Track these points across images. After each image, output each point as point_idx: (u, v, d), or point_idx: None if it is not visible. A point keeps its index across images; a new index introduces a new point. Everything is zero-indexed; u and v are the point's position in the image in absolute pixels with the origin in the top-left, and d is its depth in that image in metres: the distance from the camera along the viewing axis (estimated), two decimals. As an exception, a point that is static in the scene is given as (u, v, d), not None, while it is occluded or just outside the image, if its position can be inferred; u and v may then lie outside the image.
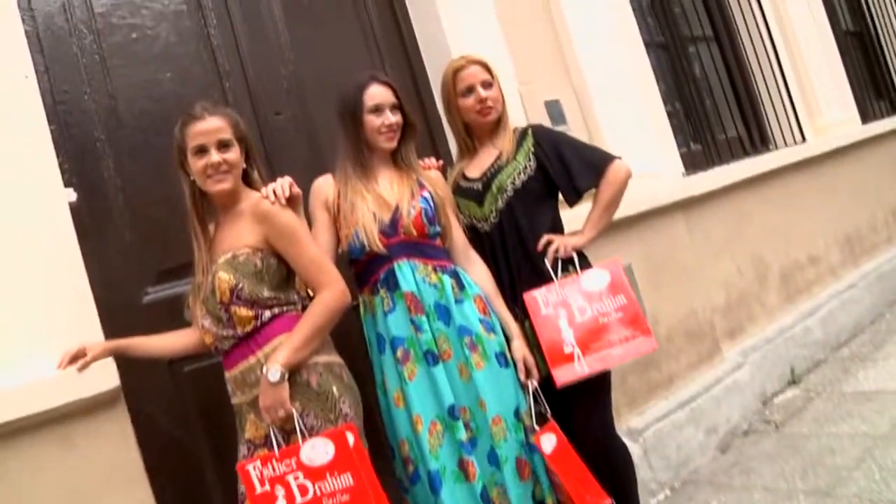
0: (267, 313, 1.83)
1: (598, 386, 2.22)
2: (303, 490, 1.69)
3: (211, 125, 1.83)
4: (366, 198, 2.08)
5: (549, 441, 2.03)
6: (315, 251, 1.87)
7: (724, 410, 3.33)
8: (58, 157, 2.05)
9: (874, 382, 3.60)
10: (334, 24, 2.83)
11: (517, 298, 2.23)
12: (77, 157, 2.19)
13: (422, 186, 2.16)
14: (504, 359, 2.09)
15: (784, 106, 4.69)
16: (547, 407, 2.12)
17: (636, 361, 2.69)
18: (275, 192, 1.85)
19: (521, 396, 2.10)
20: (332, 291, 1.82)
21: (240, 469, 1.75)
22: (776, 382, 3.82)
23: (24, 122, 1.99)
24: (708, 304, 3.57)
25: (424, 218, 2.09)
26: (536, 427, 2.06)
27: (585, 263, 2.30)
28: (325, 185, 2.16)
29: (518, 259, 2.27)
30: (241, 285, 1.80)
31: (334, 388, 1.80)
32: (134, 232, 2.24)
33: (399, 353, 2.04)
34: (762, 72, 4.69)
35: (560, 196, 2.35)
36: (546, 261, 2.23)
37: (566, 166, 2.28)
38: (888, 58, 6.24)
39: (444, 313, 2.06)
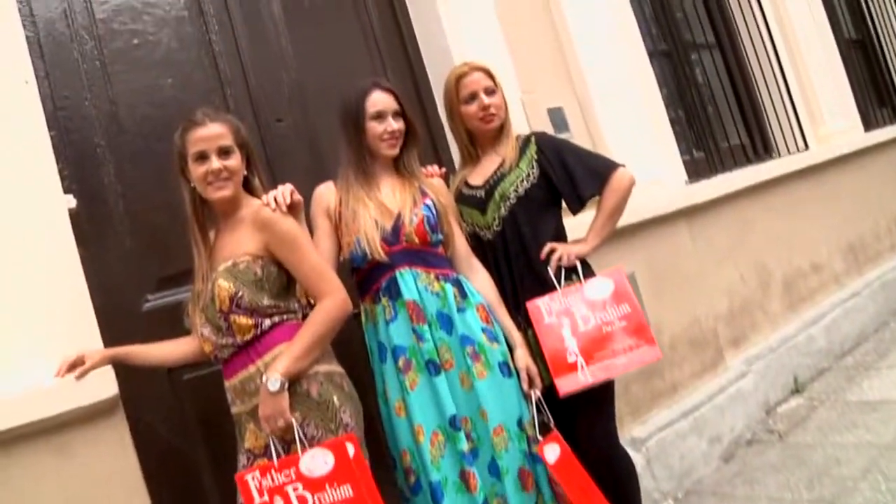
0: (267, 322, 1.81)
1: (601, 395, 2.20)
2: (302, 501, 1.67)
3: (212, 131, 1.82)
4: (368, 205, 2.06)
5: (552, 451, 2.00)
6: (316, 259, 1.85)
7: (728, 420, 3.31)
8: (58, 163, 2.03)
9: (878, 392, 3.57)
10: (336, 30, 2.82)
11: (520, 307, 2.21)
12: (77, 162, 2.18)
13: (424, 194, 2.15)
14: (507, 368, 2.07)
15: (787, 113, 4.68)
16: (550, 417, 2.10)
17: (639, 370, 2.67)
18: (276, 200, 1.83)
19: (525, 406, 2.07)
20: (333, 300, 1.80)
21: (238, 479, 1.73)
22: (780, 391, 3.80)
23: (23, 127, 1.97)
24: (711, 312, 3.56)
25: (427, 226, 2.07)
26: (540, 437, 2.04)
27: (589, 272, 2.29)
28: (326, 193, 2.14)
29: (521, 267, 2.26)
30: (240, 293, 1.78)
31: (335, 398, 1.78)
32: (134, 238, 2.22)
33: (401, 363, 2.02)
34: (765, 79, 4.68)
35: (563, 204, 2.33)
36: (549, 269, 2.22)
37: (569, 174, 2.27)
38: (890, 66, 6.23)
39: (447, 322, 2.04)
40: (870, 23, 6.17)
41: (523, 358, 2.12)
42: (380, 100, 2.13)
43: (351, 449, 1.67)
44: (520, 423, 2.04)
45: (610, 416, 2.27)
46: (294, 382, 1.75)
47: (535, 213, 2.27)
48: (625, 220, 2.44)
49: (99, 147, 2.23)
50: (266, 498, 1.69)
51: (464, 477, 1.97)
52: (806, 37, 4.90)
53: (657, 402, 3.13)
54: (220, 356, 1.86)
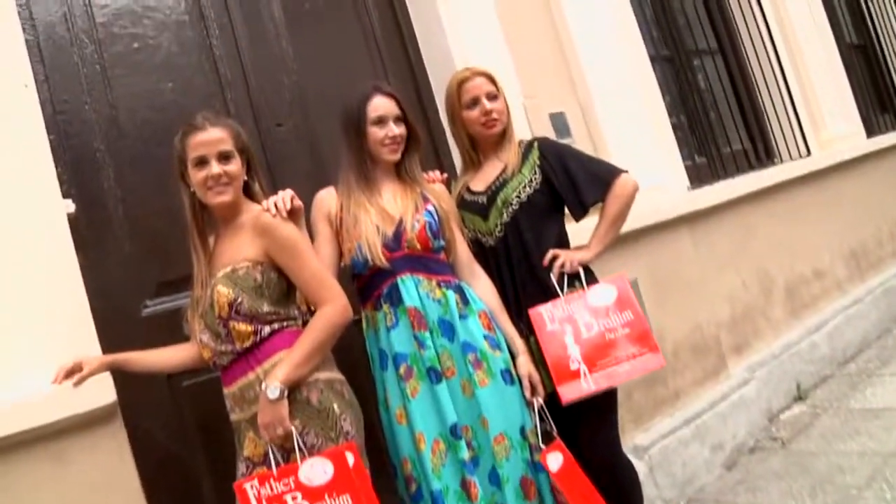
0: (266, 328, 1.79)
1: (604, 403, 2.18)
2: (301, 510, 1.65)
3: (212, 136, 1.80)
4: (369, 211, 2.04)
5: (555, 460, 1.98)
6: (316, 265, 1.83)
7: (731, 427, 3.29)
8: (57, 167, 2.02)
9: (882, 399, 3.55)
10: (337, 35, 2.81)
11: (522, 314, 2.19)
12: (76, 167, 2.16)
13: (426, 200, 2.13)
14: (509, 376, 2.05)
15: (789, 119, 4.67)
16: (553, 425, 2.08)
17: (642, 377, 2.63)
18: (276, 205, 1.81)
19: (527, 414, 2.05)
20: (333, 307, 1.78)
21: (237, 488, 1.71)
22: (782, 398, 3.78)
23: (22, 131, 1.96)
24: (713, 318, 3.54)
25: (429, 232, 2.06)
26: (542, 445, 2.02)
27: (592, 278, 2.27)
28: (327, 198, 2.13)
29: (523, 274, 2.24)
30: (240, 300, 1.77)
31: (335, 406, 1.76)
32: (133, 243, 2.21)
33: (402, 370, 2.00)
34: (766, 85, 4.68)
35: (566, 210, 2.32)
36: (552, 276, 2.20)
37: (572, 180, 2.25)
38: (892, 71, 6.23)
39: (448, 329, 2.02)
40: (871, 28, 6.17)
41: (526, 365, 2.10)
42: (381, 105, 2.12)
43: (351, 458, 1.65)
44: (522, 431, 2.02)
45: (613, 424, 2.25)
46: (294, 390, 1.73)
47: (538, 220, 2.25)
48: (627, 225, 2.43)
49: (98, 151, 2.21)
50: (265, 507, 1.67)
51: (465, 486, 1.95)
52: (808, 42, 4.90)
53: (659, 409, 3.11)
54: (219, 363, 1.84)
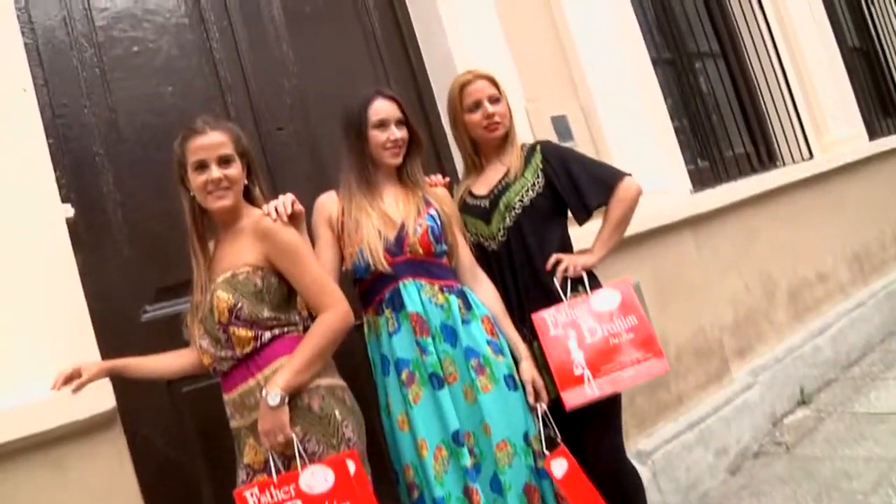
0: (267, 334, 1.77)
1: (608, 409, 2.16)
2: (301, 518, 1.63)
3: (212, 140, 1.79)
4: (370, 215, 2.03)
5: (559, 466, 1.96)
6: (317, 270, 1.82)
7: (734, 431, 3.27)
8: (56, 171, 2.01)
9: (886, 403, 3.53)
10: (338, 38, 2.80)
11: (525, 319, 2.17)
12: (76, 171, 2.15)
13: (428, 204, 2.11)
14: (513, 381, 2.03)
15: (791, 122, 4.66)
16: (557, 431, 2.06)
17: (645, 382, 2.62)
18: (276, 210, 1.80)
19: (531, 420, 2.03)
20: (335, 312, 1.76)
21: (237, 495, 1.69)
22: (786, 403, 3.76)
23: (21, 135, 1.94)
24: (716, 322, 3.53)
25: (431, 236, 2.04)
26: (546, 452, 2.00)
27: (595, 283, 2.25)
28: (328, 202, 2.11)
29: (526, 278, 2.22)
30: (240, 305, 1.75)
31: (337, 412, 1.74)
32: (133, 248, 2.19)
33: (404, 376, 1.99)
34: (769, 87, 4.67)
35: (569, 213, 2.30)
36: (555, 280, 2.18)
37: (575, 183, 2.24)
38: (894, 74, 6.22)
39: (451, 334, 2.00)
40: (873, 31, 6.16)
41: (529, 371, 2.08)
42: (382, 108, 2.10)
43: (352, 466, 1.63)
44: (525, 437, 2.00)
45: (617, 430, 2.23)
46: (295, 396, 1.71)
47: (541, 223, 2.24)
48: (629, 229, 2.40)
49: (98, 155, 2.20)
50: (265, 514, 1.65)
51: (467, 493, 1.93)
52: (809, 45, 4.89)
53: (663, 414, 3.09)
54: (218, 369, 1.82)
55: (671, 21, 4.29)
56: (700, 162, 4.14)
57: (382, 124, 2.09)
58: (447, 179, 2.32)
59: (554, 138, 2.95)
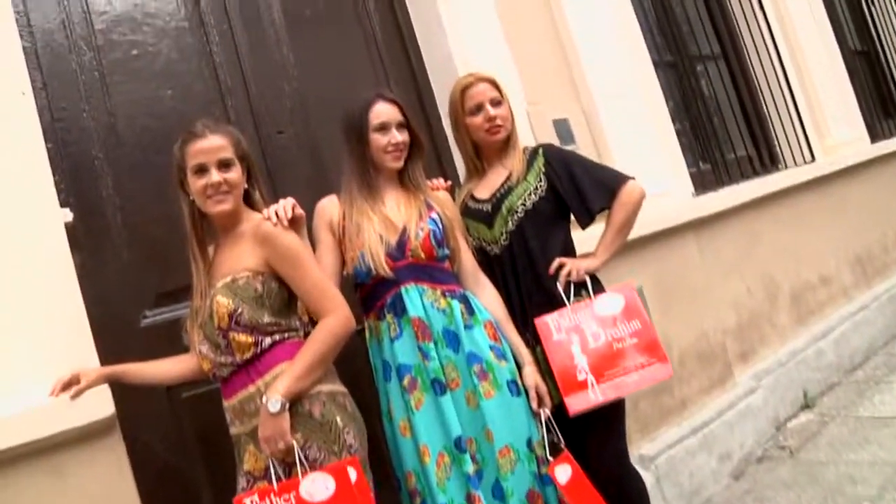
0: (267, 340, 1.75)
1: (612, 414, 2.14)
2: (302, 526, 1.61)
3: (212, 143, 1.77)
4: (372, 219, 2.01)
5: (563, 472, 1.94)
6: (318, 275, 1.80)
7: (738, 436, 3.25)
8: (54, 175, 2.00)
9: (891, 407, 3.51)
10: (338, 41, 2.79)
11: (528, 324, 2.15)
12: (75, 175, 2.14)
13: (430, 207, 2.10)
14: (516, 387, 2.01)
15: (793, 125, 4.64)
16: (560, 437, 2.04)
17: (649, 387, 2.61)
18: (277, 214, 1.78)
19: (534, 426, 2.01)
20: (336, 317, 1.75)
21: (237, 503, 1.68)
22: (789, 407, 3.74)
23: (19, 139, 1.94)
24: (719, 326, 3.51)
25: (433, 240, 2.02)
26: (550, 458, 1.98)
27: (598, 287, 2.23)
28: (329, 206, 2.09)
29: (529, 283, 2.20)
30: (240, 310, 1.73)
31: (338, 419, 1.73)
32: (132, 253, 2.18)
33: (406, 381, 1.97)
34: (770, 90, 4.65)
35: (572, 217, 2.28)
36: (558, 284, 2.16)
37: (578, 187, 2.22)
38: (895, 76, 6.20)
39: (453, 339, 1.98)
40: (874, 34, 6.15)
41: (532, 376, 2.06)
42: (383, 111, 2.09)
43: (353, 474, 1.61)
44: (529, 443, 1.98)
45: (620, 435, 2.21)
46: (295, 403, 1.69)
47: (544, 227, 2.22)
48: (632, 232, 2.39)
49: (97, 159, 2.19)
50: (265, 522, 1.63)
51: (470, 500, 1.90)
52: (811, 47, 4.88)
53: (666, 418, 3.07)
54: (218, 375, 1.80)
55: (672, 23, 4.28)
56: (702, 165, 4.13)
57: (383, 127, 2.07)
58: (449, 183, 2.30)
59: (555, 141, 2.94)
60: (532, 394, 2.03)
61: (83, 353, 1.88)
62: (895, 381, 3.85)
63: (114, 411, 1.89)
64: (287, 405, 1.67)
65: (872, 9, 6.19)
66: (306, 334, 1.81)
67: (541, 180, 2.24)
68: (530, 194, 2.22)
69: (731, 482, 3.12)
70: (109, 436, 1.90)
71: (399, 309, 1.98)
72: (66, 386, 1.70)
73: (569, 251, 2.28)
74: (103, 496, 1.86)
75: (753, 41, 4.68)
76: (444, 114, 2.65)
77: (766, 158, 4.62)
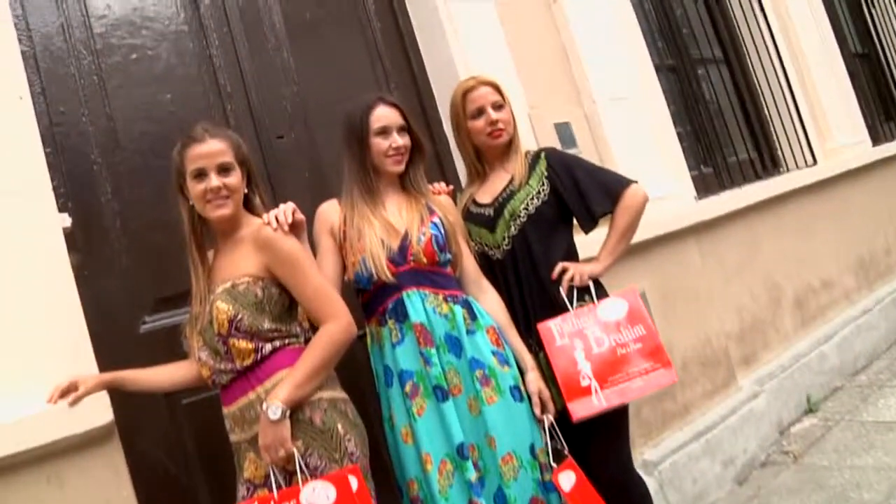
0: (268, 346, 1.73)
1: (616, 420, 2.12)
2: (302, 535, 1.59)
3: (211, 148, 1.76)
4: (373, 224, 1.99)
5: (567, 479, 1.92)
6: (319, 280, 1.78)
7: (741, 441, 3.23)
8: (53, 180, 1.98)
9: (895, 411, 3.49)
10: (338, 45, 2.77)
11: (531, 329, 2.13)
12: (73, 180, 2.12)
13: (432, 212, 2.08)
14: (518, 392, 1.99)
15: (794, 128, 4.63)
16: (564, 443, 2.01)
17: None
18: (277, 219, 1.76)
19: (537, 432, 1.99)
20: (337, 323, 1.73)
21: (237, 511, 1.66)
22: (793, 411, 3.72)
23: (17, 144, 1.92)
24: (722, 330, 3.49)
25: (435, 245, 2.00)
26: (553, 464, 1.96)
27: (602, 292, 2.21)
28: (330, 211, 2.08)
29: (531, 288, 2.19)
30: (240, 316, 1.71)
31: (339, 426, 1.71)
32: (131, 258, 2.16)
33: (408, 388, 1.95)
34: (772, 93, 4.64)
35: (574, 221, 2.26)
36: (561, 289, 2.14)
37: (581, 191, 2.20)
38: (896, 80, 6.20)
39: (455, 345, 1.96)
40: (875, 36, 6.14)
41: (535, 382, 2.03)
42: (384, 115, 2.07)
43: (354, 482, 1.59)
44: (532, 450, 1.96)
45: (624, 441, 2.19)
46: (296, 410, 1.67)
47: (546, 232, 2.20)
48: (634, 236, 2.37)
49: (96, 164, 2.17)
50: (265, 531, 1.61)
51: (472, 507, 1.89)
52: (812, 51, 4.87)
53: (669, 424, 3.05)
54: (218, 382, 1.78)
55: (674, 27, 4.27)
56: (703, 168, 4.11)
57: (384, 131, 2.05)
58: (451, 187, 2.28)
59: (557, 145, 2.93)
60: (535, 400, 2.01)
61: (81, 360, 1.87)
62: (899, 385, 3.84)
63: (112, 418, 1.87)
64: (287, 412, 1.65)
65: (873, 11, 6.18)
66: (307, 340, 1.79)
67: (543, 184, 2.22)
68: (533, 198, 2.20)
69: (734, 487, 3.10)
70: (108, 443, 1.88)
71: (401, 314, 1.96)
72: (64, 393, 1.68)
73: (571, 256, 2.26)
74: (101, 504, 1.85)
75: (755, 44, 4.67)
76: (446, 117, 2.63)
77: (767, 162, 4.61)
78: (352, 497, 1.57)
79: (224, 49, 2.49)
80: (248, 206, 1.86)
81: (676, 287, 3.28)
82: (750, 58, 4.67)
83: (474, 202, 2.30)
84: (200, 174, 1.75)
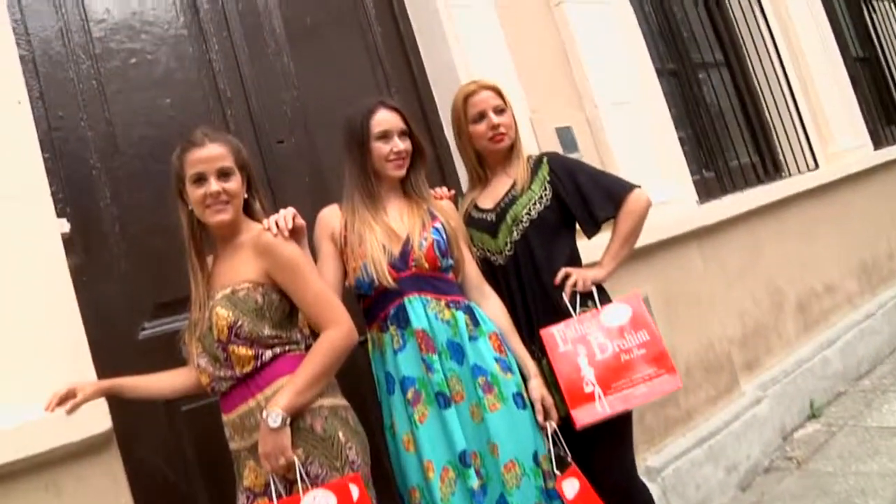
0: (268, 353, 1.71)
1: (619, 427, 2.10)
2: (303, 544, 1.57)
3: (211, 152, 1.74)
4: (374, 229, 1.97)
5: (571, 487, 1.90)
6: (320, 286, 1.76)
7: (744, 447, 3.21)
8: (51, 185, 1.96)
9: (899, 417, 3.47)
10: (339, 49, 2.76)
11: (534, 335, 2.12)
12: (72, 185, 2.11)
13: (433, 217, 2.06)
14: (521, 399, 1.97)
15: (796, 132, 4.62)
16: (567, 450, 1.99)
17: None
18: (277, 224, 1.74)
19: (540, 439, 1.97)
20: (338, 330, 1.71)
21: (237, 520, 1.64)
22: (796, 417, 3.70)
23: (15, 149, 1.90)
24: (724, 335, 3.47)
25: (437, 250, 1.99)
26: (557, 472, 1.94)
27: (605, 298, 2.20)
28: (331, 216, 2.06)
29: (534, 293, 2.17)
30: (240, 322, 1.69)
31: (340, 434, 1.69)
32: (130, 263, 2.15)
33: (409, 394, 1.93)
34: (773, 97, 4.63)
35: (577, 226, 2.25)
36: (564, 295, 2.13)
37: (583, 196, 2.19)
38: (898, 84, 6.19)
39: (458, 352, 1.94)
40: (876, 40, 6.14)
41: (538, 389, 2.01)
42: (385, 119, 2.05)
43: (355, 491, 1.57)
44: (535, 457, 1.94)
45: (628, 448, 2.18)
46: (297, 418, 1.65)
47: (549, 237, 2.18)
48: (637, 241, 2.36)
49: (95, 169, 2.16)
50: (265, 540, 1.59)
51: (475, 516, 1.87)
52: (814, 54, 4.87)
53: (672, 429, 3.03)
54: (217, 389, 1.76)
55: (675, 31, 4.26)
56: (705, 173, 4.10)
57: (385, 136, 2.04)
58: (452, 192, 2.26)
59: (559, 149, 2.91)
60: (538, 407, 1.99)
61: (80, 366, 1.84)
62: (903, 390, 3.82)
63: (111, 426, 1.84)
64: (288, 420, 1.63)
65: (873, 15, 6.17)
66: (307, 347, 1.77)
67: (545, 189, 2.21)
68: (535, 203, 2.19)
69: (738, 494, 3.08)
70: (106, 451, 1.86)
71: (402, 320, 1.94)
72: (62, 400, 1.66)
73: (574, 261, 2.24)
74: (100, 513, 1.83)
75: (756, 48, 4.66)
76: (446, 122, 2.62)
77: (769, 166, 4.60)
78: (352, 506, 1.56)
79: (224, 53, 2.48)
80: (248, 211, 1.84)
81: (678, 292, 3.26)
82: (751, 61, 4.67)
83: (476, 207, 2.28)
84: (200, 179, 1.73)
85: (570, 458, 1.99)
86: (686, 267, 3.37)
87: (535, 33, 3.24)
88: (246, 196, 1.81)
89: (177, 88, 2.35)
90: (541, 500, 1.92)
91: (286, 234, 1.74)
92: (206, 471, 2.08)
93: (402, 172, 2.07)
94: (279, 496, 1.62)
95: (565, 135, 3.10)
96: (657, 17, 4.17)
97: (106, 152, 2.18)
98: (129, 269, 2.13)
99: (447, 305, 1.98)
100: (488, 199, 2.27)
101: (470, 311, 2.01)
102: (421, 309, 1.94)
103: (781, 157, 4.63)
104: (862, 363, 4.26)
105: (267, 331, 1.72)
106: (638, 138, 3.34)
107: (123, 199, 2.18)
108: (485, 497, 1.90)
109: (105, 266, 2.10)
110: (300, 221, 1.81)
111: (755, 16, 4.70)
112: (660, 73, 3.83)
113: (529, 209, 2.18)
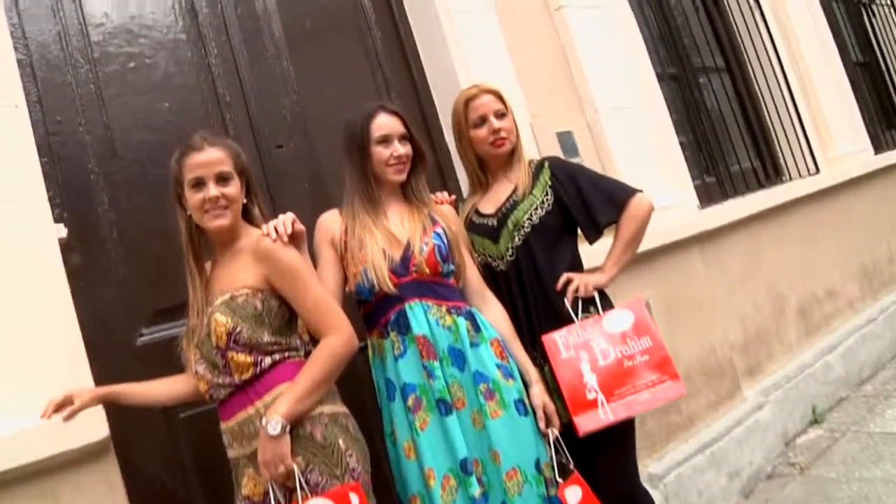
0: (267, 360, 1.70)
1: (622, 433, 2.08)
2: (302, 553, 1.55)
3: (210, 157, 1.72)
4: (375, 234, 1.95)
5: (573, 494, 1.88)
6: (320, 292, 1.74)
7: (747, 453, 3.19)
8: (49, 190, 1.95)
9: (902, 422, 3.46)
10: (339, 53, 2.75)
11: (536, 341, 2.10)
12: (69, 190, 2.09)
13: (434, 222, 2.04)
14: (523, 406, 1.95)
15: (797, 137, 4.61)
16: (569, 458, 1.97)
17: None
18: (276, 230, 1.73)
19: (542, 447, 1.95)
20: (338, 336, 1.69)
21: (236, 529, 1.62)
22: (798, 422, 3.69)
23: (13, 153, 1.88)
24: (726, 340, 3.45)
25: (438, 255, 1.97)
26: (559, 479, 1.92)
27: (607, 303, 2.18)
28: (331, 221, 2.04)
29: (536, 299, 2.15)
30: (239, 329, 1.67)
31: (340, 441, 1.67)
32: (128, 269, 2.13)
33: (410, 401, 1.91)
34: (774, 102, 4.62)
35: (579, 231, 2.23)
36: (566, 301, 2.11)
37: (585, 201, 2.17)
38: (898, 88, 6.19)
39: (459, 358, 1.92)
40: (876, 45, 6.14)
41: (540, 395, 1.99)
42: (385, 123, 2.04)
43: (356, 499, 1.56)
44: (537, 464, 1.92)
45: (630, 455, 2.16)
46: (296, 425, 1.63)
47: (551, 242, 2.17)
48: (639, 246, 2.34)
49: (92, 174, 2.14)
50: (264, 549, 1.57)
51: (476, 524, 1.84)
52: (813, 59, 4.87)
53: (674, 436, 3.01)
54: (216, 396, 1.74)
55: (675, 36, 4.25)
56: (706, 177, 4.09)
57: (385, 140, 2.02)
58: (453, 197, 2.25)
59: (559, 154, 2.90)
60: (540, 413, 1.97)
61: (77, 373, 1.83)
62: (905, 395, 3.80)
63: (108, 433, 1.83)
64: (288, 427, 1.61)
65: (873, 20, 6.18)
66: (307, 354, 1.75)
67: (547, 194, 2.19)
68: (536, 208, 2.17)
69: (740, 500, 3.07)
70: (104, 459, 1.85)
71: (403, 326, 1.93)
72: (59, 407, 1.64)
73: (576, 266, 2.23)
74: (97, 521, 1.81)
75: (756, 53, 4.65)
76: (447, 126, 2.61)
77: (770, 170, 4.58)
78: (353, 514, 1.54)
79: (223, 58, 2.47)
80: (247, 216, 1.82)
81: (680, 296, 3.25)
82: (752, 66, 4.66)
83: (477, 212, 2.26)
84: (199, 183, 1.72)
85: (572, 466, 1.97)
86: (687, 272, 3.35)
87: (536, 37, 3.23)
88: (245, 201, 1.80)
89: (175, 93, 2.34)
90: (543, 507, 1.90)
91: (285, 239, 1.73)
92: (205, 478, 2.06)
93: (403, 177, 2.05)
94: (278, 505, 1.61)
95: (566, 139, 3.09)
96: (657, 22, 4.16)
97: (104, 157, 2.17)
98: (127, 274, 2.12)
99: (448, 311, 1.96)
100: (489, 203, 2.25)
101: (471, 317, 1.99)
102: (422, 315, 1.93)
103: (782, 162, 4.62)
104: (864, 368, 4.24)
105: (266, 337, 1.70)
106: (639, 143, 3.33)
107: (121, 203, 2.16)
108: (486, 505, 1.88)
109: (103, 271, 2.08)
110: (299, 227, 1.80)
111: (755, 20, 4.69)
112: (660, 77, 3.82)
113: (531, 214, 2.17)
